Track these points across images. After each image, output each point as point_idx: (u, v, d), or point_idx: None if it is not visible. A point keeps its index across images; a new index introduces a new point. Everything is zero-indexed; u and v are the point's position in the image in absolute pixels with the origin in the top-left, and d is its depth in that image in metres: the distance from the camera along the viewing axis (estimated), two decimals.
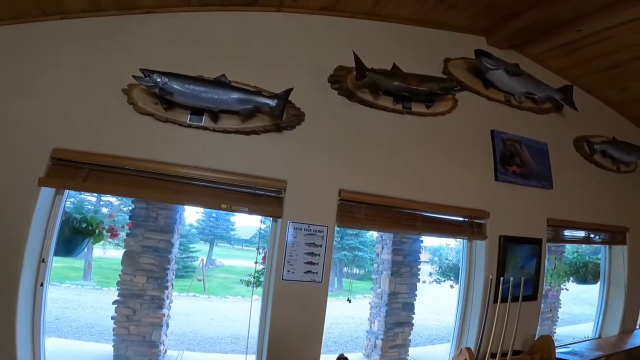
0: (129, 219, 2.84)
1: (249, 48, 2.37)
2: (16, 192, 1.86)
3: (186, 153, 2.09)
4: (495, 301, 2.68)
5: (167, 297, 2.99)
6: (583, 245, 4.22)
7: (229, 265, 11.88)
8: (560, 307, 4.35)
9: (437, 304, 6.37)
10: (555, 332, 4.24)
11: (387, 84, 2.51)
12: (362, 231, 11.57)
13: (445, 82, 2.70)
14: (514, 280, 2.71)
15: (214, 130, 2.15)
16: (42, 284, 1.97)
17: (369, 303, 3.77)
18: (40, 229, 1.96)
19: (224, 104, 2.08)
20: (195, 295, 8.51)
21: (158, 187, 2.02)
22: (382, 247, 3.73)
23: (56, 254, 2.11)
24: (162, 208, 2.90)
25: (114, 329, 2.72)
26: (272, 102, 2.15)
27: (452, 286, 3.60)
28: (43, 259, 1.97)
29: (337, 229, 2.35)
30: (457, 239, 2.99)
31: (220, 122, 2.15)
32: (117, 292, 2.81)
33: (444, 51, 2.96)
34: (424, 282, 3.90)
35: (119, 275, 2.81)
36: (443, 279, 4.34)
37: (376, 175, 2.51)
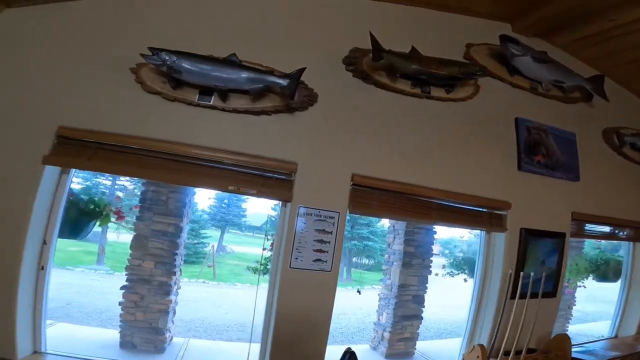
0: (139, 201, 2.79)
1: (263, 28, 2.27)
2: (20, 171, 1.81)
3: (193, 132, 2.02)
4: (513, 297, 2.57)
5: (175, 283, 2.94)
6: (603, 242, 4.04)
7: (239, 252, 11.93)
8: (575, 305, 4.21)
9: (449, 298, 6.24)
10: (567, 330, 4.11)
11: (405, 66, 2.39)
12: (373, 221, 11.52)
13: (467, 67, 2.57)
14: (534, 275, 2.59)
15: (223, 110, 2.07)
16: (43, 267, 1.93)
17: (378, 295, 3.69)
18: (44, 209, 1.91)
19: (234, 82, 2.01)
20: (204, 282, 8.56)
21: (163, 167, 1.95)
22: (394, 238, 3.63)
23: (61, 236, 2.07)
24: (172, 191, 2.85)
25: (121, 315, 2.69)
26: (283, 82, 2.06)
27: (465, 280, 3.49)
28: (45, 241, 1.92)
29: (347, 217, 2.25)
30: (474, 230, 2.86)
31: (230, 101, 2.07)
32: (125, 278, 2.77)
33: (466, 37, 2.81)
34: (436, 274, 3.78)
35: (128, 259, 2.77)
36: (457, 272, 4.21)
37: (391, 161, 2.41)
